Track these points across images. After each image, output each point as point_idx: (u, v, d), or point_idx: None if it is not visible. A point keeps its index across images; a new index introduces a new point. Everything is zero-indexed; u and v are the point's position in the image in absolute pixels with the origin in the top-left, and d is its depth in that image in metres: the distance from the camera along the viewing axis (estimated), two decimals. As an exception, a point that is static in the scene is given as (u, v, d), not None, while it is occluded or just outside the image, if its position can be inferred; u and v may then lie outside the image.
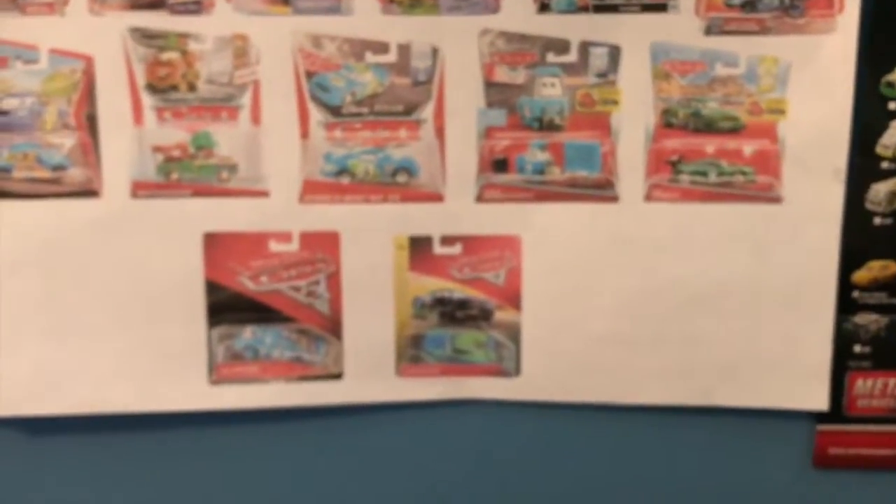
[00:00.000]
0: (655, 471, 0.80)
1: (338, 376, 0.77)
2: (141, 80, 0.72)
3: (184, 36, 0.72)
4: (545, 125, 0.74)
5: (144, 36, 0.72)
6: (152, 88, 0.73)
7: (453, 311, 0.77)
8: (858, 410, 0.78)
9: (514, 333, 0.77)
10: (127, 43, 0.72)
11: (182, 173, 0.74)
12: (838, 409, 0.78)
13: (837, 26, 0.71)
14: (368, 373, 0.77)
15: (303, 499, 0.80)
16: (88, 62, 0.72)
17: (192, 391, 0.77)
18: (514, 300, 0.77)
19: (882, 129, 0.73)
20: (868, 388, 0.78)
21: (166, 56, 0.72)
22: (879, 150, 0.74)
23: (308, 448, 0.79)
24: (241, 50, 0.72)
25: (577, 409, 0.78)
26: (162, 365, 0.76)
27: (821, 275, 0.75)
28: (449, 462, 0.80)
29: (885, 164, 0.74)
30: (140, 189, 0.74)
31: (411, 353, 0.77)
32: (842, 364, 0.77)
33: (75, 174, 0.73)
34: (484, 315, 0.77)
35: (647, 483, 0.80)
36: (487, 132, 0.74)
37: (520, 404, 0.78)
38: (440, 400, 0.78)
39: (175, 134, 0.73)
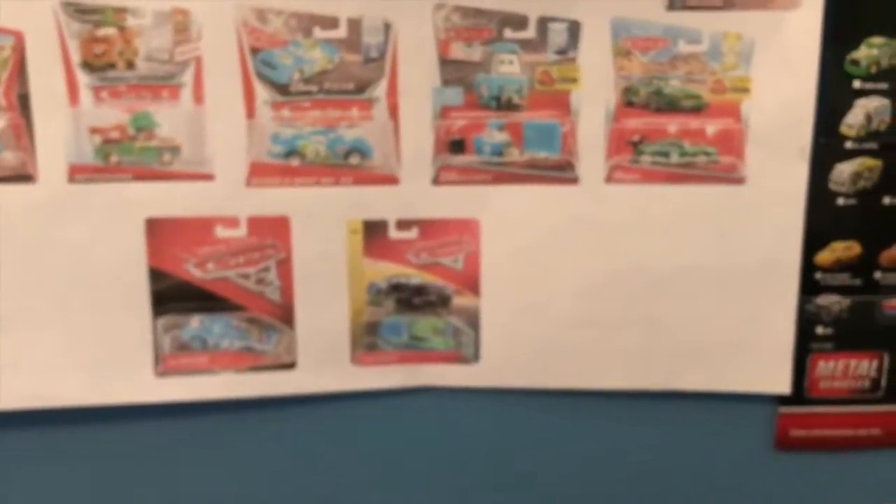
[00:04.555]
0: (617, 455, 0.79)
1: (290, 366, 0.75)
2: (76, 58, 0.68)
3: (121, 10, 0.68)
4: (503, 104, 0.71)
5: (78, 10, 0.68)
6: (88, 66, 0.69)
7: (410, 298, 0.75)
8: (820, 392, 0.78)
9: (472, 319, 0.75)
10: (59, 17, 0.68)
11: (122, 156, 0.70)
12: (800, 391, 0.78)
13: (802, 1, 0.69)
14: (322, 362, 0.75)
15: (257, 492, 0.78)
16: (18, 38, 0.68)
17: (138, 383, 0.74)
18: (472, 285, 0.75)
19: (846, 108, 0.72)
20: (830, 369, 0.77)
21: (102, 32, 0.68)
22: (844, 129, 0.73)
23: (261, 440, 0.77)
24: (181, 25, 0.68)
25: (538, 396, 0.77)
26: (106, 357, 0.73)
27: (785, 256, 0.74)
28: (408, 452, 0.78)
29: (849, 144, 0.73)
30: (77, 173, 0.70)
31: (367, 341, 0.75)
32: (804, 346, 0.77)
33: (7, 158, 0.70)
34: (442, 301, 0.75)
35: (608, 468, 0.79)
36: (443, 112, 0.71)
37: (479, 391, 0.77)
38: (397, 388, 0.76)
39: (113, 114, 0.70)
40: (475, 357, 0.76)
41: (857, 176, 0.73)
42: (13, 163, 0.70)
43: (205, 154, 0.71)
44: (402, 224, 0.73)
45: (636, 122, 0.72)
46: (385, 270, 0.74)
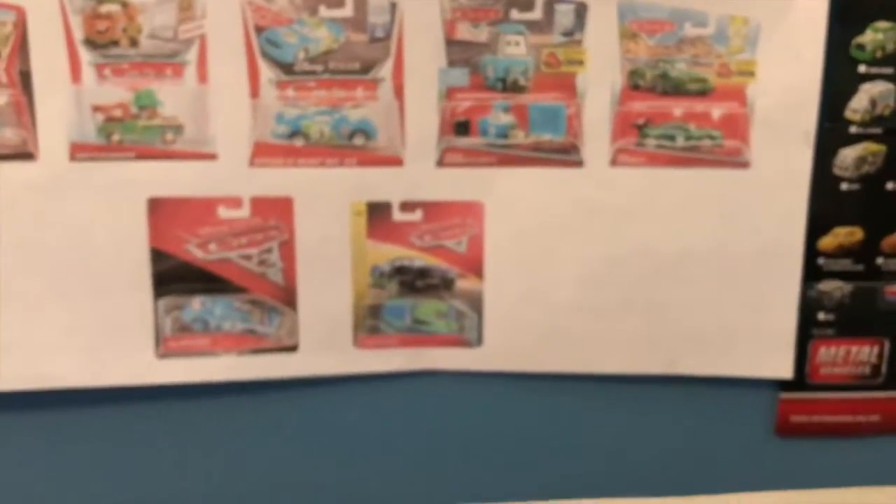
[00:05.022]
0: (618, 440, 0.79)
1: (292, 349, 0.74)
2: (78, 35, 0.68)
3: (124, -13, 0.67)
4: (509, 86, 0.71)
5: (81, -14, 0.67)
6: (91, 43, 0.68)
7: (413, 280, 0.74)
8: (821, 378, 0.78)
9: (476, 302, 0.75)
10: (62, -7, 0.67)
11: (124, 134, 0.70)
12: (801, 376, 0.78)
13: (809, -15, 0.69)
14: (325, 345, 0.74)
15: (258, 475, 0.77)
16: (20, 14, 0.67)
17: (139, 365, 0.73)
18: (476, 268, 0.74)
19: (851, 92, 0.72)
20: (831, 355, 0.77)
21: (105, 8, 0.67)
22: (848, 114, 0.73)
23: (262, 423, 0.76)
24: (186, 2, 0.68)
25: (541, 380, 0.77)
26: (106, 338, 0.72)
27: (788, 241, 0.74)
28: (409, 435, 0.77)
29: (853, 129, 0.73)
30: (79, 151, 0.70)
31: (369, 324, 0.75)
32: (805, 331, 0.77)
33: (8, 135, 0.69)
34: (445, 284, 0.74)
35: (609, 452, 0.79)
36: (449, 93, 0.71)
37: (482, 375, 0.76)
38: (400, 372, 0.76)
39: (116, 92, 0.69)
40: (478, 341, 0.76)
41: (861, 161, 0.73)
42: (14, 140, 0.69)
43: (208, 133, 0.70)
44: (406, 206, 0.73)
45: (642, 105, 0.72)
46: (388, 253, 0.74)
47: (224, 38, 0.68)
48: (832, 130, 0.73)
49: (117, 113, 0.69)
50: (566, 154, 0.72)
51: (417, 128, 0.71)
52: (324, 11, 0.69)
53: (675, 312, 0.75)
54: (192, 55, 0.69)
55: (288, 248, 0.73)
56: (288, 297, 0.74)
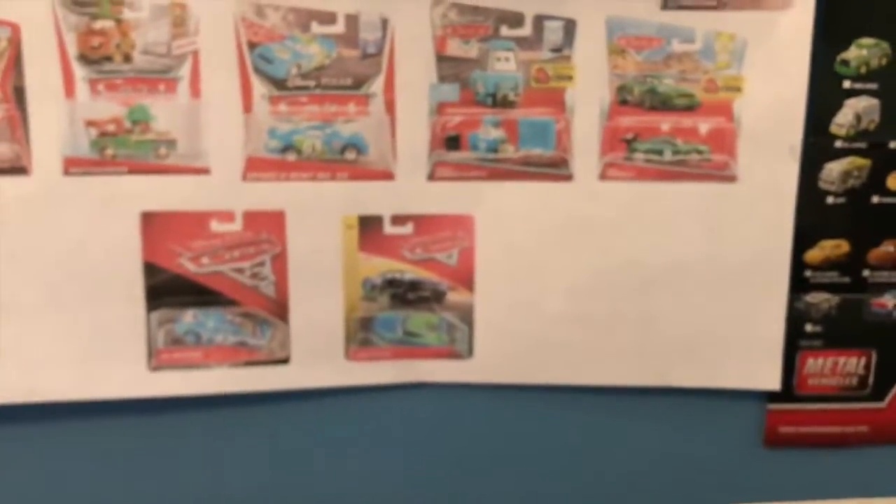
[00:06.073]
0: (607, 451, 0.79)
1: (284, 361, 0.75)
2: (72, 50, 0.68)
3: (118, 3, 0.68)
4: (499, 101, 0.72)
5: (75, 3, 0.68)
6: (84, 59, 0.69)
7: (404, 293, 0.75)
8: (809, 389, 0.79)
9: (466, 315, 0.75)
10: (56, 10, 0.68)
11: (117, 149, 0.70)
12: (789, 388, 0.78)
13: (794, 2, 0.70)
14: (316, 357, 0.75)
15: (249, 487, 0.78)
16: (15, 30, 0.68)
17: (131, 378, 0.73)
18: (466, 281, 0.75)
19: (836, 107, 0.73)
20: (819, 367, 0.78)
21: (99, 24, 0.68)
22: (833, 129, 0.74)
23: (254, 435, 0.77)
24: (179, 19, 0.68)
25: (531, 391, 0.77)
26: (98, 351, 0.73)
27: (775, 254, 0.75)
28: (401, 447, 0.78)
29: (838, 144, 0.74)
30: (73, 166, 0.70)
31: (361, 337, 0.75)
32: (793, 343, 0.77)
33: (2, 150, 0.69)
34: (436, 296, 0.75)
35: (599, 464, 0.80)
36: (439, 108, 0.72)
37: (473, 387, 0.77)
38: (391, 384, 0.76)
39: (109, 107, 0.69)
40: (469, 353, 0.76)
41: (846, 175, 0.74)
42: (8, 155, 0.69)
43: (201, 148, 0.71)
44: (397, 220, 0.73)
45: (630, 120, 0.73)
46: (380, 266, 0.74)
47: (217, 54, 0.69)
48: (818, 145, 0.74)
49: (111, 128, 0.70)
50: (555, 168, 0.73)
51: (408, 142, 0.72)
52: (316, 28, 0.69)
53: (664, 325, 0.76)
54: (185, 71, 0.69)
55: (280, 262, 0.73)
56: (280, 309, 0.74)
